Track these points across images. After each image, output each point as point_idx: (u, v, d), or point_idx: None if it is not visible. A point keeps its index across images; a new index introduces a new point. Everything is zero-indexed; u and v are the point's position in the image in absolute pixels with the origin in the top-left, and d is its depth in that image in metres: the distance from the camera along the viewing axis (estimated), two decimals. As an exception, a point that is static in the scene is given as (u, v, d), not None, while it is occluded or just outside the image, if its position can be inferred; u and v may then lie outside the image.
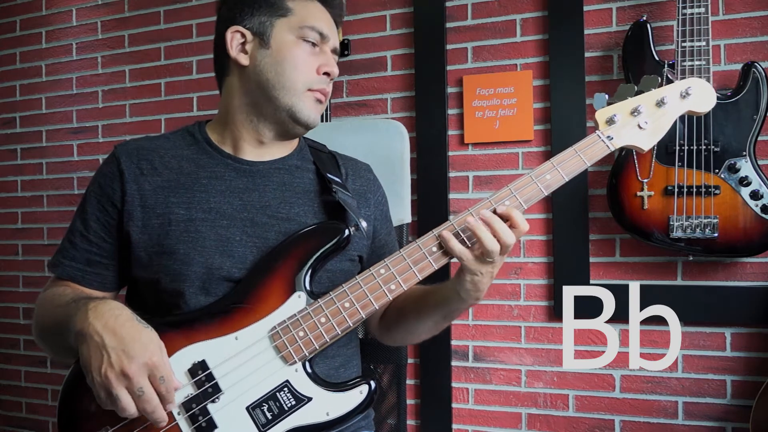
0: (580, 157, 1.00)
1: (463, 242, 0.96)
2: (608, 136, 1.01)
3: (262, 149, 1.11)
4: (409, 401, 2.02)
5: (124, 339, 0.87)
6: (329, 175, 1.12)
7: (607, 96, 1.05)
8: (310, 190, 1.11)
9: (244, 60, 1.07)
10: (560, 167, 0.99)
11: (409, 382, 2.01)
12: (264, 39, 1.07)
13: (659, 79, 1.05)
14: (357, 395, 0.96)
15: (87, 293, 1.05)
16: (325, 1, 1.11)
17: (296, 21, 1.07)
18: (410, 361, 2.02)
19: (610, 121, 1.02)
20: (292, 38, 1.06)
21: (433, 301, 1.07)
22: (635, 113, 1.02)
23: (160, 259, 1.02)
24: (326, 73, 1.08)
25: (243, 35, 1.08)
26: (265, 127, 1.10)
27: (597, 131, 1.02)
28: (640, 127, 1.02)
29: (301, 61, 1.06)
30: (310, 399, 0.95)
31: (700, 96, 1.03)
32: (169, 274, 1.02)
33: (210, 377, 0.94)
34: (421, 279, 0.98)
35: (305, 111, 1.07)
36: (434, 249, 0.97)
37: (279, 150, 1.13)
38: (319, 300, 0.97)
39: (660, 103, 1.02)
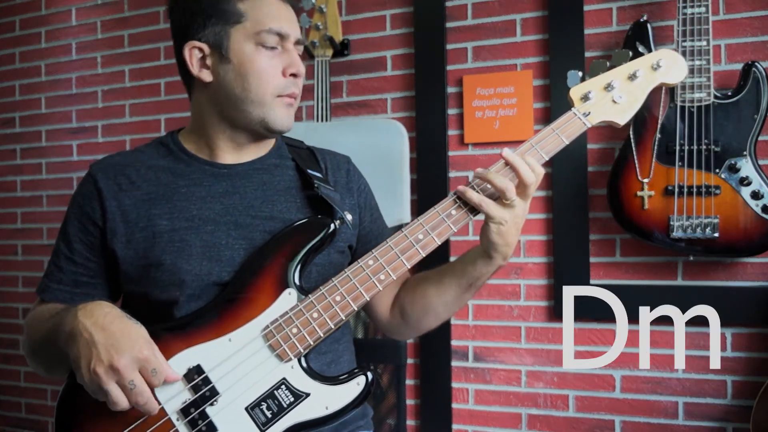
0: (558, 136, 1.00)
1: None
2: (584, 113, 1.01)
3: (239, 152, 1.11)
4: (409, 401, 2.02)
5: (113, 334, 0.87)
6: (310, 171, 1.11)
7: (580, 73, 1.05)
8: (292, 187, 1.11)
9: (207, 77, 1.05)
10: (539, 146, 0.99)
11: (409, 382, 2.01)
12: (223, 52, 1.03)
13: (630, 53, 1.05)
14: (354, 387, 0.97)
15: None
16: None
17: (252, 26, 1.02)
18: (410, 361, 2.02)
19: (585, 98, 1.02)
20: (251, 47, 1.02)
21: (457, 270, 1.06)
22: (609, 88, 1.02)
23: (148, 272, 1.02)
24: (293, 74, 1.05)
25: (201, 50, 1.04)
26: (240, 135, 1.09)
27: (573, 108, 1.02)
28: (614, 102, 1.02)
29: (264, 70, 1.02)
30: (308, 394, 0.95)
31: (671, 67, 1.04)
32: (158, 285, 1.01)
33: (206, 381, 0.94)
34: (409, 267, 0.98)
35: (278, 120, 1.05)
36: (420, 237, 0.98)
37: (256, 151, 1.12)
38: (309, 296, 0.97)
39: (632, 77, 1.03)
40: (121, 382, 0.86)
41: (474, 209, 0.97)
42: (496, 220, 0.95)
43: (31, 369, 1.14)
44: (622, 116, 1.02)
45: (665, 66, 1.03)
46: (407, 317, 1.15)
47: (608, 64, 1.04)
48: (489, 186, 0.96)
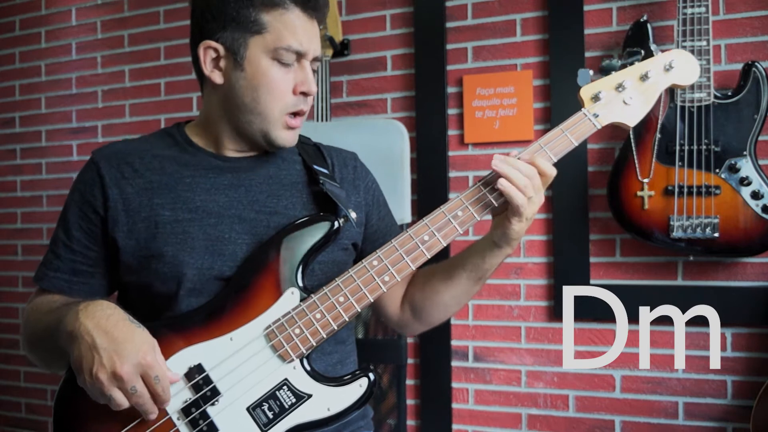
0: (567, 137, 0.99)
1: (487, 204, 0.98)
2: (594, 114, 1.00)
3: (245, 149, 1.10)
4: (409, 401, 2.02)
5: (116, 339, 0.86)
6: (316, 167, 1.10)
7: (591, 72, 1.03)
8: (298, 182, 1.10)
9: (218, 79, 1.03)
10: (548, 148, 0.99)
11: (409, 382, 2.01)
12: (238, 59, 1.01)
13: (642, 52, 1.04)
14: (357, 388, 0.96)
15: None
16: (306, 6, 1.02)
17: (271, 40, 0.99)
18: (410, 361, 2.02)
19: (596, 98, 1.00)
20: (267, 60, 1.00)
21: (467, 264, 1.07)
22: (620, 89, 1.01)
23: (149, 263, 1.01)
24: (303, 93, 1.03)
25: (215, 50, 1.02)
26: (243, 139, 1.08)
27: (583, 109, 1.01)
28: (625, 103, 1.01)
29: (276, 85, 1.01)
30: (310, 396, 0.94)
31: (683, 68, 1.02)
32: (159, 277, 1.00)
33: (207, 380, 0.93)
34: (414, 268, 0.98)
35: (279, 138, 1.05)
36: (426, 238, 0.97)
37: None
38: (312, 295, 0.97)
39: (644, 78, 1.01)
40: (124, 387, 0.85)
41: (481, 210, 0.98)
42: (523, 215, 0.95)
43: (30, 361, 1.12)
44: (633, 118, 1.01)
45: (678, 67, 1.01)
46: (418, 313, 1.15)
47: (619, 63, 1.02)
48: (497, 187, 0.96)
